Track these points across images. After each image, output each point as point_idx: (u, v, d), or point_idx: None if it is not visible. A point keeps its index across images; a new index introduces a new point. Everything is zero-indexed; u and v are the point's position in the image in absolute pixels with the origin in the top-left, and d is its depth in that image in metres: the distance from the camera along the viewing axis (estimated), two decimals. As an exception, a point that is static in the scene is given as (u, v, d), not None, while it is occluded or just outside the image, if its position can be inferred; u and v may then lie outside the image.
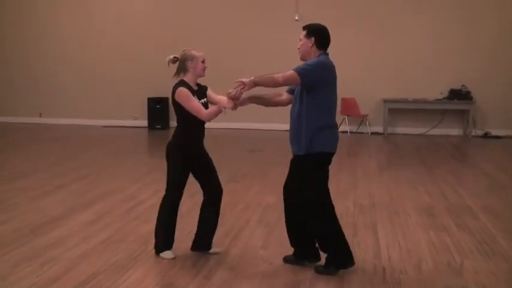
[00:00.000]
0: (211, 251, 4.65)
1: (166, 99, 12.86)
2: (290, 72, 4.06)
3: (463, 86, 11.85)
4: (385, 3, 12.12)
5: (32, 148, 10.47)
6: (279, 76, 4.07)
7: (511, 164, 9.29)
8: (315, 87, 4.10)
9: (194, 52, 4.37)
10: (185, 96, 4.26)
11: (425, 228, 5.38)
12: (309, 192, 4.17)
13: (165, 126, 13.02)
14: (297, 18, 12.17)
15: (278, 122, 12.39)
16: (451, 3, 11.81)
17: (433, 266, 4.41)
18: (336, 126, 4.30)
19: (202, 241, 4.64)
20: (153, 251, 4.60)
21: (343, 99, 12.21)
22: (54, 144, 11.05)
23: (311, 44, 4.18)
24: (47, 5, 13.73)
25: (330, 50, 4.26)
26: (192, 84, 4.40)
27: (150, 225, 5.39)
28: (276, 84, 4.13)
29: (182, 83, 4.34)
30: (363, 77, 11.96)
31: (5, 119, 14.15)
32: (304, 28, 4.25)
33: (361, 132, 12.42)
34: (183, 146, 4.43)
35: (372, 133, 12.31)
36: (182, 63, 4.39)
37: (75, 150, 10.21)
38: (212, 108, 4.33)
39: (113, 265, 4.37)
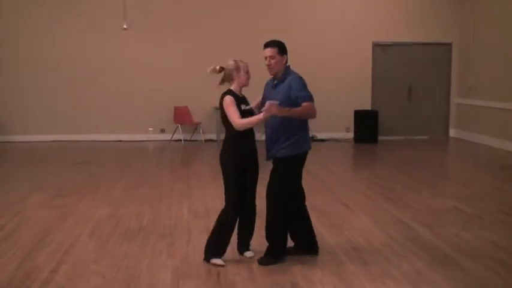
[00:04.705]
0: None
1: None
2: (308, 104, 4.43)
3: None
4: (216, 11, 12.33)
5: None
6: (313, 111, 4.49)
7: (333, 165, 9.91)
8: None
9: (240, 63, 4.57)
10: (228, 104, 4.45)
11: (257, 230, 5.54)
12: None
13: None
14: (125, 26, 11.95)
15: (105, 132, 12.20)
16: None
17: (263, 266, 4.58)
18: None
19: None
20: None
21: (175, 108, 12.26)
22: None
23: (285, 61, 4.59)
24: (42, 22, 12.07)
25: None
26: (237, 93, 4.59)
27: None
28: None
29: (229, 92, 4.57)
30: (195, 85, 11.96)
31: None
32: (273, 45, 4.55)
33: (196, 140, 12.53)
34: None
35: (206, 140, 12.48)
36: (228, 74, 4.60)
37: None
38: (250, 118, 4.46)
39: None
